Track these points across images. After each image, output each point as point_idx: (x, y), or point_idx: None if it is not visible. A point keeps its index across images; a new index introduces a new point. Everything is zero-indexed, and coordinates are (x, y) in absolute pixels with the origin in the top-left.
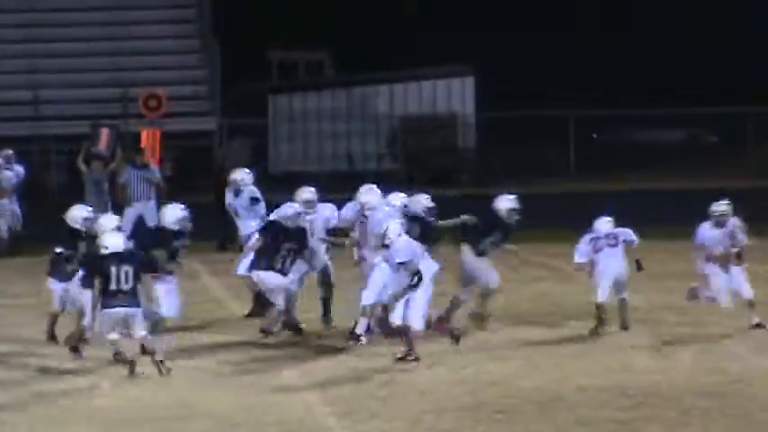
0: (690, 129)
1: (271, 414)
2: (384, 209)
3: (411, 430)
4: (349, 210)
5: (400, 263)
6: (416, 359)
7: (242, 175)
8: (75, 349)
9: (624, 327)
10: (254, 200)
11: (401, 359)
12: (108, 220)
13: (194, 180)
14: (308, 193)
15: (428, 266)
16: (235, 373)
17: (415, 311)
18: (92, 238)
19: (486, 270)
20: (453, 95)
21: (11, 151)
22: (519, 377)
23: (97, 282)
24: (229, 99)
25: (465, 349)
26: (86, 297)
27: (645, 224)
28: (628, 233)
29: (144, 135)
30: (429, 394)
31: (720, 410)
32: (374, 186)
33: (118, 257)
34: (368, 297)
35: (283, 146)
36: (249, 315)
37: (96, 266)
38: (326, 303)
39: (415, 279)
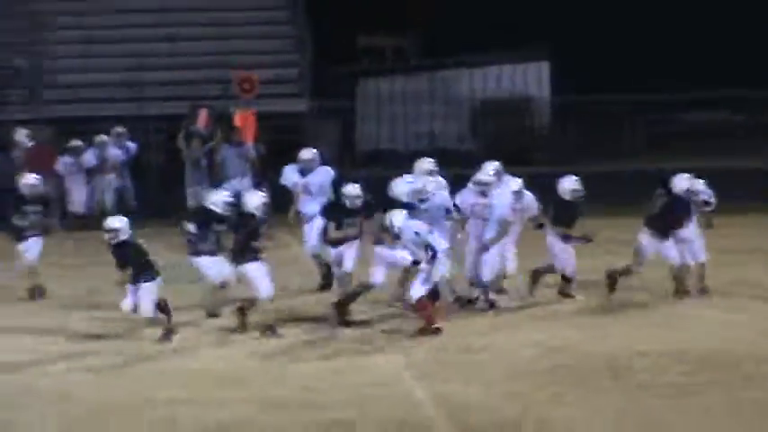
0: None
1: (358, 376)
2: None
3: (486, 393)
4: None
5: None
6: (437, 330)
7: (313, 156)
8: (271, 328)
9: (702, 290)
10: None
11: (422, 331)
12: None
13: (285, 158)
14: (428, 163)
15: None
16: (320, 340)
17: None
18: (228, 218)
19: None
20: (530, 79)
21: (122, 129)
22: (588, 343)
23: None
24: (320, 82)
25: (540, 316)
26: (251, 268)
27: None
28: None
29: (239, 115)
30: (503, 359)
31: None
32: (495, 168)
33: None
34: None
35: (370, 126)
36: (323, 288)
37: (251, 235)
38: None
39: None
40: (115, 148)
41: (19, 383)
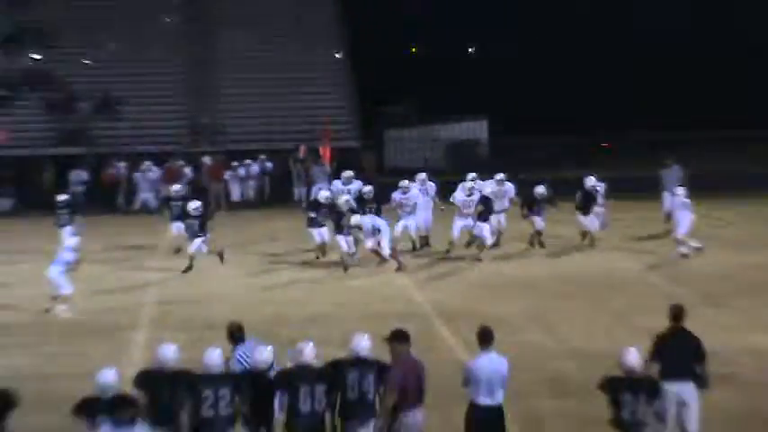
0: None
1: (381, 290)
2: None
3: (462, 298)
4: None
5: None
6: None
7: (351, 174)
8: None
9: (592, 243)
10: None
11: (397, 269)
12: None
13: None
14: (423, 174)
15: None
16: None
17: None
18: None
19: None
20: (477, 129)
21: (264, 156)
22: (514, 269)
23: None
24: (365, 131)
25: (510, 257)
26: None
27: None
28: None
29: (321, 149)
30: (480, 281)
31: None
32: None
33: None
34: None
35: (391, 154)
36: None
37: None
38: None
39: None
40: (258, 165)
41: None
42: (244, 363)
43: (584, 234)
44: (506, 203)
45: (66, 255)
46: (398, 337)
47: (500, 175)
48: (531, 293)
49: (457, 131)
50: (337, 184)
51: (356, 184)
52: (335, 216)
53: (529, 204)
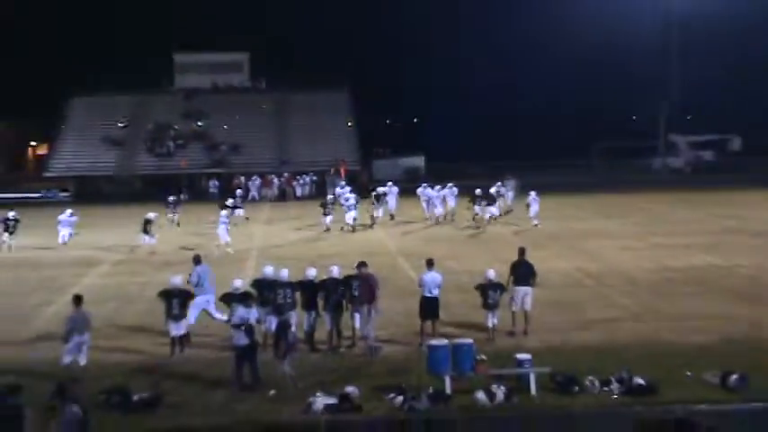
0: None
1: (364, 240)
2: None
3: (425, 246)
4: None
5: None
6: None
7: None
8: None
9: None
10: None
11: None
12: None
13: (350, 181)
14: (388, 186)
15: None
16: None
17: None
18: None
19: None
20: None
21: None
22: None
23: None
24: (363, 161)
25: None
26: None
27: None
28: None
29: (340, 170)
30: (446, 237)
31: None
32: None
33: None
34: None
35: (380, 172)
36: None
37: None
38: None
39: None
40: (308, 177)
41: None
42: (195, 279)
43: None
44: (453, 201)
45: (223, 219)
46: (361, 264)
47: (449, 183)
48: (450, 243)
49: (408, 162)
50: (338, 189)
51: (347, 189)
52: (343, 205)
53: (471, 200)
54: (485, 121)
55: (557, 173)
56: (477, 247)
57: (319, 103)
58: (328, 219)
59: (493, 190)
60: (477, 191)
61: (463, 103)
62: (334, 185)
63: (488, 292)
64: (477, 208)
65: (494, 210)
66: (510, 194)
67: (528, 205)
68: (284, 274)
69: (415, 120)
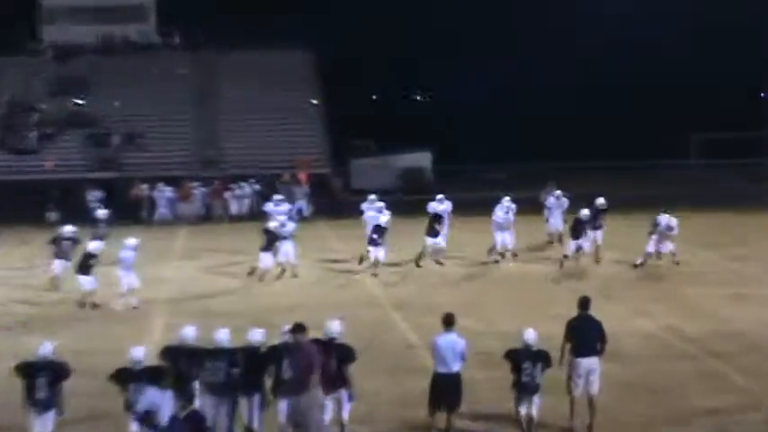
0: None
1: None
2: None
3: (416, 292)
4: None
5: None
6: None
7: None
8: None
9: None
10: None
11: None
12: None
13: (319, 192)
14: (373, 196)
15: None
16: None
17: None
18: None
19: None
20: (422, 159)
21: (254, 179)
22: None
23: None
24: (336, 160)
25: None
26: None
27: None
28: None
29: (302, 175)
30: (429, 280)
31: None
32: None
33: None
34: None
35: (357, 178)
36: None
37: None
38: None
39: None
40: (249, 186)
41: None
42: None
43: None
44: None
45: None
46: (297, 328)
47: (440, 196)
48: (467, 289)
49: (406, 161)
50: (270, 205)
51: (286, 206)
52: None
53: (575, 228)
54: (528, 104)
55: (630, 179)
56: (509, 294)
57: (267, 69)
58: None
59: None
60: (584, 213)
61: (496, 77)
62: (292, 198)
63: (523, 363)
64: (572, 244)
65: (598, 236)
66: (558, 213)
67: (658, 231)
68: (221, 337)
69: (419, 97)
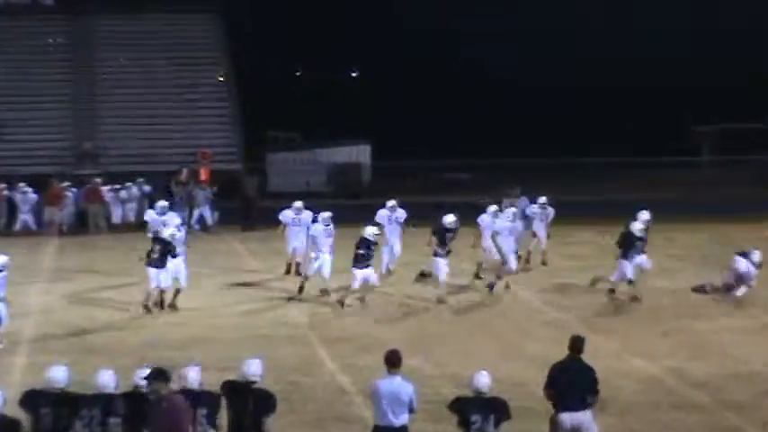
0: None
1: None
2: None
3: (332, 315)
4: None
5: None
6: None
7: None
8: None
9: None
10: None
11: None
12: None
13: (227, 195)
14: (299, 203)
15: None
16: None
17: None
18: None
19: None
20: (359, 153)
21: (142, 179)
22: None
23: None
24: (248, 155)
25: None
26: None
27: None
28: None
29: (205, 173)
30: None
31: None
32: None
33: None
34: None
35: (275, 178)
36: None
37: None
38: None
39: None
40: (137, 188)
41: None
42: None
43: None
44: (399, 229)
45: None
46: (157, 375)
47: (392, 202)
48: (414, 319)
49: (340, 155)
50: (152, 213)
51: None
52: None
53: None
54: (492, 86)
55: (628, 177)
56: (471, 327)
57: (162, 38)
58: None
59: (508, 217)
60: (637, 226)
61: (451, 53)
62: (191, 202)
63: (471, 416)
64: (627, 266)
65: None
66: (542, 226)
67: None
68: (103, 380)
69: (355, 74)
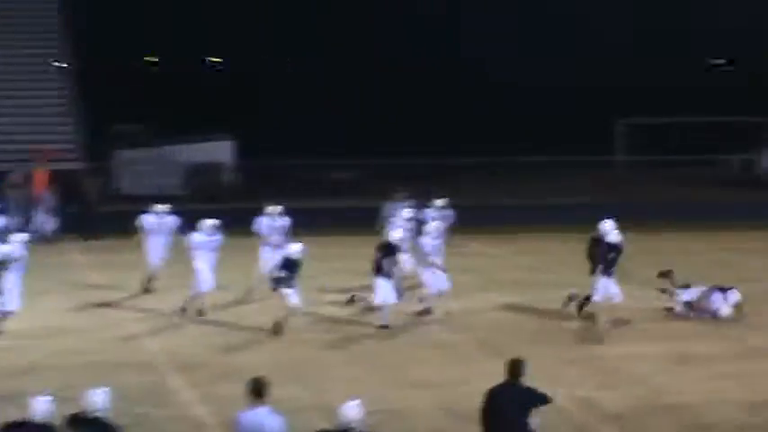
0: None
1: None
2: None
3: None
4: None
5: None
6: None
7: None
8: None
9: None
10: None
11: None
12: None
13: (63, 199)
14: (160, 206)
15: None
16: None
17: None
18: None
19: None
20: (219, 151)
21: None
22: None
23: None
24: (91, 152)
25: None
26: None
27: None
28: None
29: (40, 174)
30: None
31: None
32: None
33: None
34: None
35: (122, 179)
36: None
37: None
38: None
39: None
40: None
41: None
42: None
43: None
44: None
45: None
46: None
47: (274, 208)
48: (282, 342)
49: (197, 153)
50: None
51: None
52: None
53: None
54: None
55: (533, 179)
56: (349, 349)
57: None
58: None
59: (398, 232)
60: (614, 235)
61: (327, 40)
62: (27, 209)
63: None
64: (606, 283)
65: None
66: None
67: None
68: None
69: (216, 61)
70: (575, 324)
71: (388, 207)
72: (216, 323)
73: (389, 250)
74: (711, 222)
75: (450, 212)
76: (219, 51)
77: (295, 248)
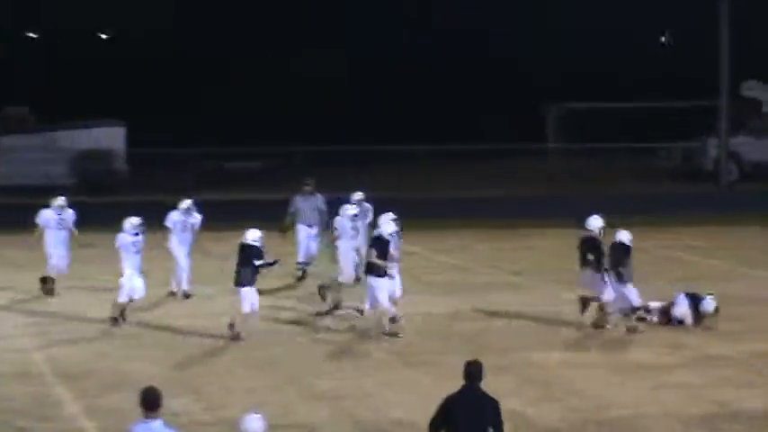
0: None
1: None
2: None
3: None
4: None
5: None
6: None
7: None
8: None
9: None
10: None
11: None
12: None
13: None
14: (60, 200)
15: None
16: None
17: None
18: None
19: None
20: (108, 137)
21: None
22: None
23: None
24: None
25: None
26: None
27: None
28: None
29: None
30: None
31: None
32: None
33: None
34: None
35: (3, 167)
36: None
37: None
38: None
39: None
40: None
41: None
42: None
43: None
44: (190, 237)
45: None
46: None
47: (187, 203)
48: (177, 349)
49: (86, 140)
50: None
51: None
52: None
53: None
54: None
55: (455, 169)
56: (251, 357)
57: None
58: None
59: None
60: (625, 235)
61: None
62: None
63: None
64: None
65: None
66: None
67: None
68: None
69: (107, 36)
70: (497, 324)
71: (296, 201)
72: (104, 328)
73: (382, 246)
74: (651, 216)
75: (368, 206)
76: (115, 27)
77: (253, 235)
